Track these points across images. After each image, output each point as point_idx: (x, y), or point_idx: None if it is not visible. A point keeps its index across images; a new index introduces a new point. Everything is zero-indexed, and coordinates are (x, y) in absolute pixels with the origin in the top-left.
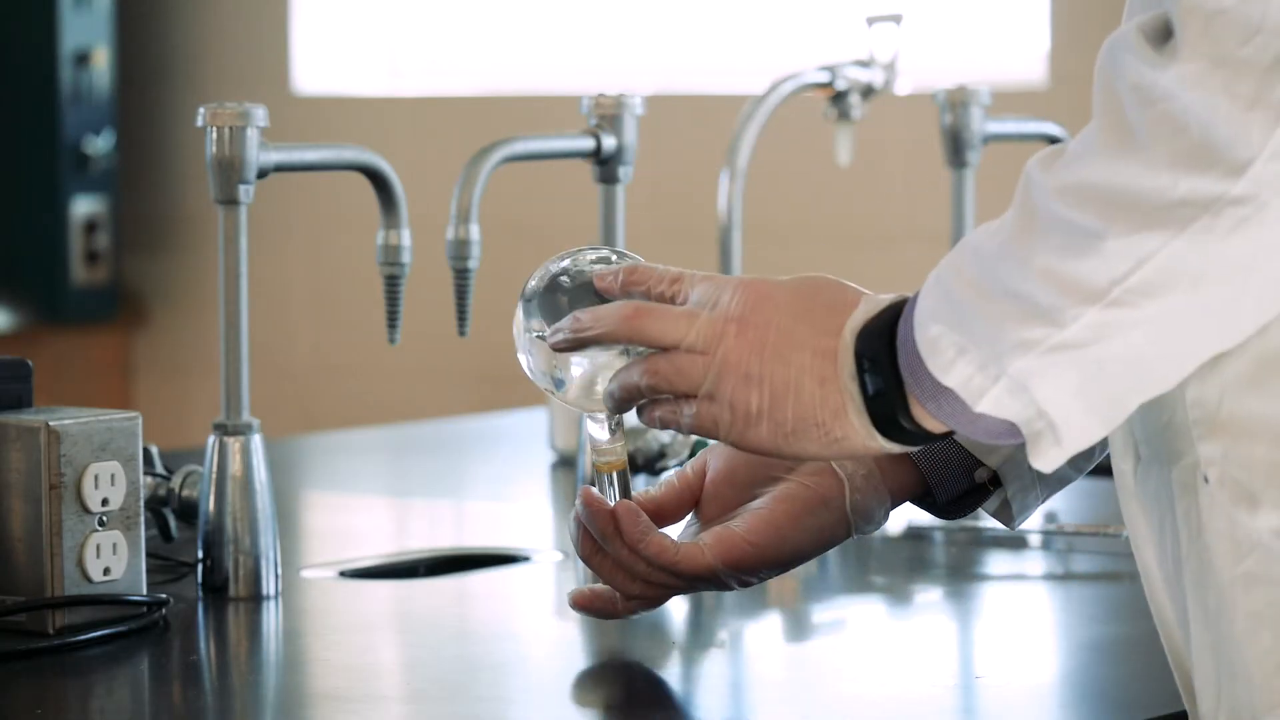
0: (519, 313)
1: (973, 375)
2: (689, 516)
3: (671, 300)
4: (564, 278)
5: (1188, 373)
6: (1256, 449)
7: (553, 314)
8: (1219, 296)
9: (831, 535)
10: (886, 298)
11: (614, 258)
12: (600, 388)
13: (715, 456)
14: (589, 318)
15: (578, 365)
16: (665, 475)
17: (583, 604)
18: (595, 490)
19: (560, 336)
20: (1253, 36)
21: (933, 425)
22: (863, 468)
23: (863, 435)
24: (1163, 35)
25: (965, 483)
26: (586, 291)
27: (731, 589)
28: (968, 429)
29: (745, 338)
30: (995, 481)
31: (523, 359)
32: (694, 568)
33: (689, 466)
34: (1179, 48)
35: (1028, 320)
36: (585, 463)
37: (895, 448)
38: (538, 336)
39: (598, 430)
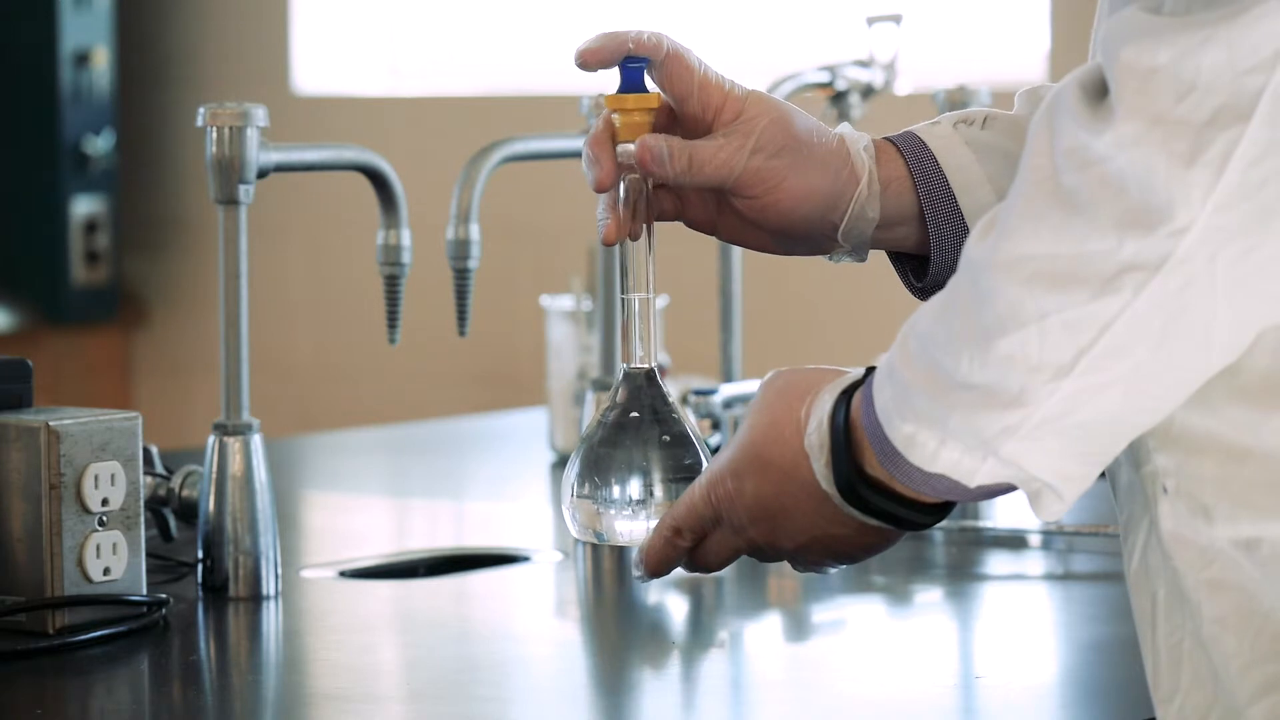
0: (566, 479)
1: (960, 459)
2: None
3: (691, 540)
4: (601, 446)
5: (1172, 409)
6: (1206, 463)
7: (602, 476)
8: (1186, 345)
9: (825, 199)
10: (828, 394)
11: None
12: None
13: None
14: (646, 562)
15: (621, 521)
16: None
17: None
18: None
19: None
20: (1188, 94)
21: (932, 500)
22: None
23: (883, 527)
24: (1101, 91)
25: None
26: (623, 445)
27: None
28: (965, 498)
29: (769, 530)
30: None
31: (568, 515)
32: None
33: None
34: (1115, 107)
35: (1000, 408)
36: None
37: (879, 521)
38: (579, 497)
39: None
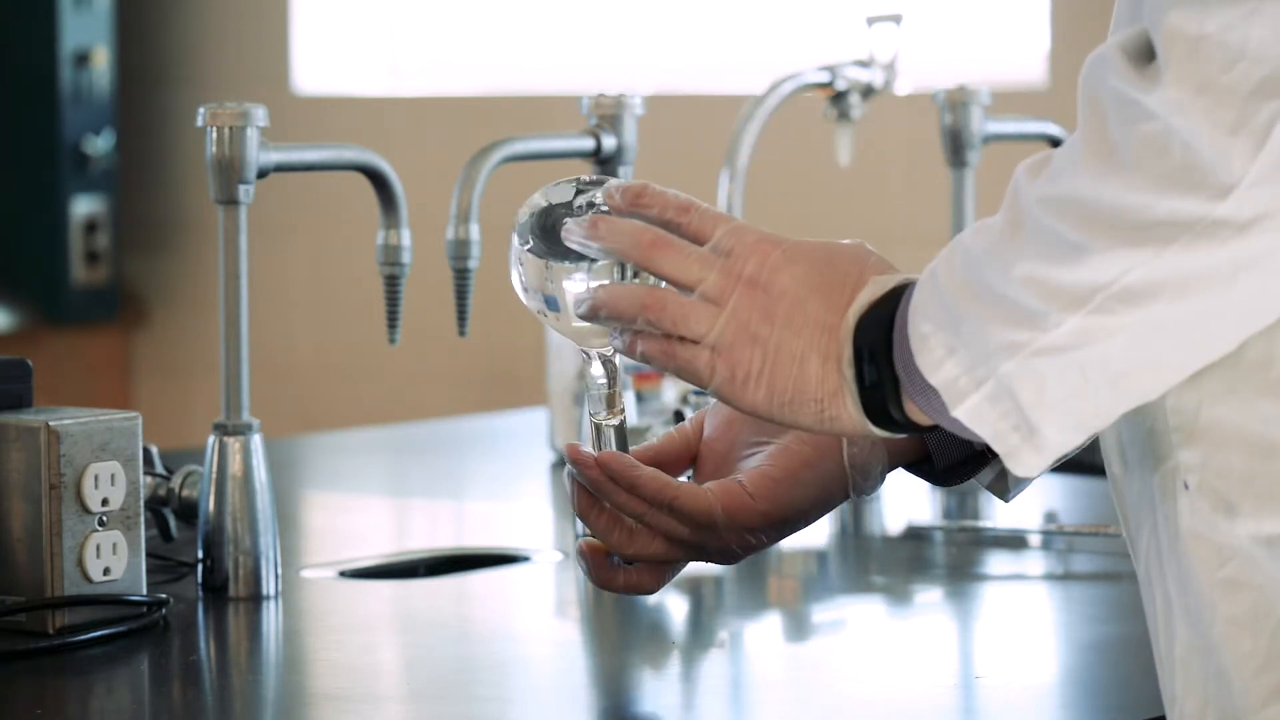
0: (513, 236)
1: (958, 377)
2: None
3: (678, 229)
4: (568, 200)
5: (1169, 385)
6: (1233, 458)
7: (551, 235)
8: (1200, 309)
9: (830, 492)
10: (893, 279)
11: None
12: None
13: (713, 414)
14: (606, 227)
15: (572, 282)
16: (663, 431)
17: (588, 551)
18: (584, 447)
19: (573, 232)
20: (1235, 63)
21: (921, 419)
22: None
23: (855, 420)
24: (1145, 55)
25: (964, 450)
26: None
27: (734, 554)
28: (951, 427)
29: (757, 299)
30: (994, 451)
31: (515, 275)
32: (695, 504)
33: (687, 422)
34: (1161, 72)
35: (1012, 324)
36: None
37: (885, 434)
38: (529, 250)
39: (595, 369)
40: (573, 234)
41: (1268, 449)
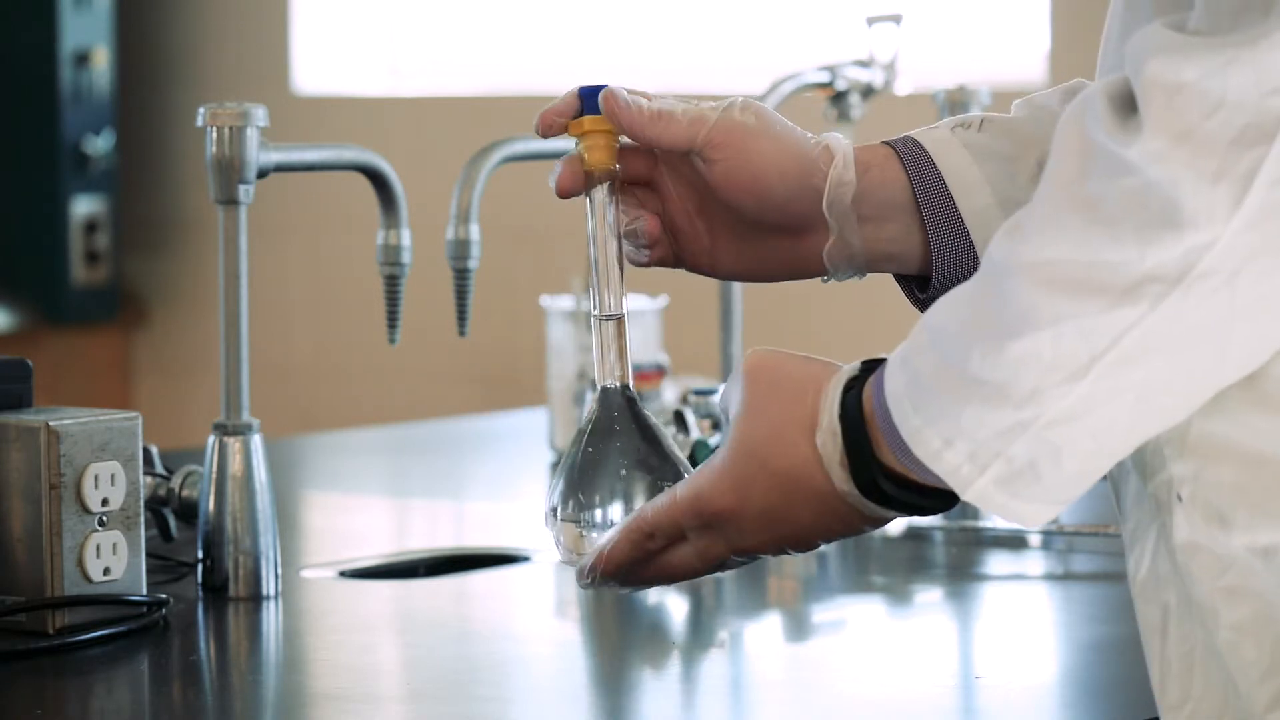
0: (549, 492)
1: (960, 465)
2: None
3: (661, 548)
4: (581, 467)
5: (1176, 423)
6: (1225, 471)
7: (579, 494)
8: (1200, 357)
9: (805, 210)
10: (833, 411)
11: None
12: None
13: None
14: (605, 565)
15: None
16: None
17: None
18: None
19: (583, 578)
20: (1215, 111)
21: (942, 485)
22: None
23: (872, 513)
24: (1129, 103)
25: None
26: (604, 471)
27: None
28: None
29: (759, 540)
30: None
31: (551, 535)
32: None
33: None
34: (1142, 122)
35: (1015, 406)
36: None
37: (893, 513)
38: (564, 520)
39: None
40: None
41: (1259, 461)
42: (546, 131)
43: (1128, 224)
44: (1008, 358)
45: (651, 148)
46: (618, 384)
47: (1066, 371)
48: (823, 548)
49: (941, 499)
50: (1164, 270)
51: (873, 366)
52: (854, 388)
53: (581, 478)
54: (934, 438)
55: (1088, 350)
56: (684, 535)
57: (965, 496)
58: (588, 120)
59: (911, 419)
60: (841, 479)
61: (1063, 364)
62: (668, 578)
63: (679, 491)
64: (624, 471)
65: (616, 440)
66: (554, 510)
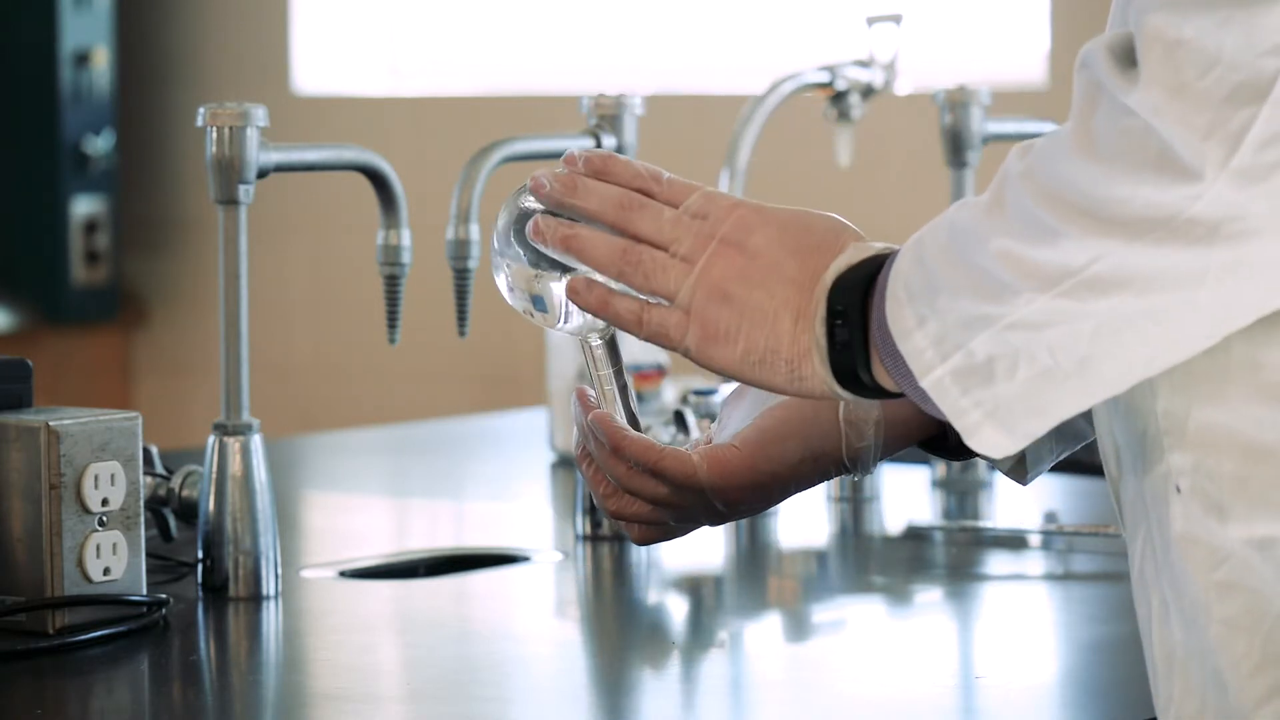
0: (494, 240)
1: (925, 349)
2: None
3: (651, 196)
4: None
5: (1137, 379)
6: (1224, 461)
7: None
8: (1168, 306)
9: (821, 452)
10: (874, 246)
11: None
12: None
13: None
14: (581, 188)
15: (559, 284)
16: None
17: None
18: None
19: (547, 188)
20: (1210, 69)
21: (888, 384)
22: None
23: (824, 380)
24: (1130, 55)
25: None
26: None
27: (720, 514)
28: (916, 396)
29: (732, 259)
30: None
31: (500, 279)
32: (678, 469)
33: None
34: (1140, 73)
35: (985, 297)
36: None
37: (851, 398)
38: (511, 257)
39: (599, 359)
40: (548, 197)
41: (1258, 452)
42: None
43: (1123, 163)
44: (992, 250)
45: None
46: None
47: (1039, 279)
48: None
49: (867, 387)
50: (1151, 210)
51: None
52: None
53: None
54: (910, 315)
55: (1063, 264)
56: (677, 202)
57: (922, 383)
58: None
59: (899, 292)
60: (825, 283)
61: (1038, 271)
62: (628, 206)
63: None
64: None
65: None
66: (501, 240)
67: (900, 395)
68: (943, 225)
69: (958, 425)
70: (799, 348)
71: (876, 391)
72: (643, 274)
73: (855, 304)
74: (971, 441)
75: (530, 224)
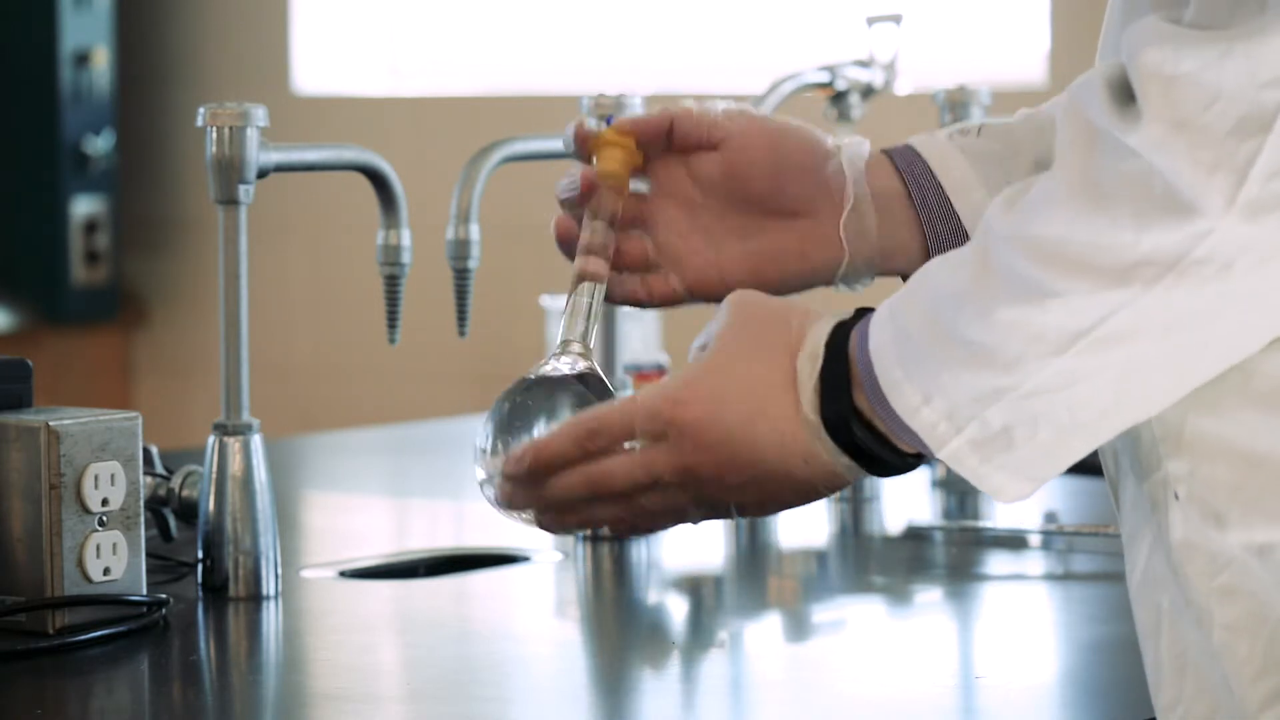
0: (480, 440)
1: (937, 423)
2: None
3: (602, 452)
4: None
5: (1156, 412)
6: (1220, 469)
7: (507, 440)
8: (1185, 344)
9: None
10: (819, 338)
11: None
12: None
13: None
14: (548, 496)
15: None
16: None
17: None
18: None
19: (510, 490)
20: (1213, 103)
21: (909, 448)
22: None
23: (837, 464)
24: (1127, 91)
25: None
26: (542, 411)
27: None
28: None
29: (710, 463)
30: None
31: (480, 473)
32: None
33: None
34: (1141, 111)
35: (994, 368)
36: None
37: (863, 471)
38: (493, 458)
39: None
40: (537, 524)
41: (1253, 460)
42: (578, 145)
43: (1127, 207)
44: (996, 323)
45: (666, 143)
46: (578, 342)
47: (1051, 344)
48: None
49: (904, 459)
50: (1159, 255)
51: (864, 314)
52: (843, 328)
53: (517, 416)
54: (914, 393)
55: (1074, 326)
56: (628, 440)
57: (939, 455)
58: (606, 132)
59: (893, 371)
60: (811, 405)
61: (1048, 336)
62: (593, 488)
63: (641, 394)
64: (566, 413)
65: (561, 386)
66: (483, 451)
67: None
68: (920, 294)
69: (980, 487)
70: (819, 471)
71: (887, 446)
72: (649, 527)
73: (846, 405)
74: (996, 498)
75: (536, 526)
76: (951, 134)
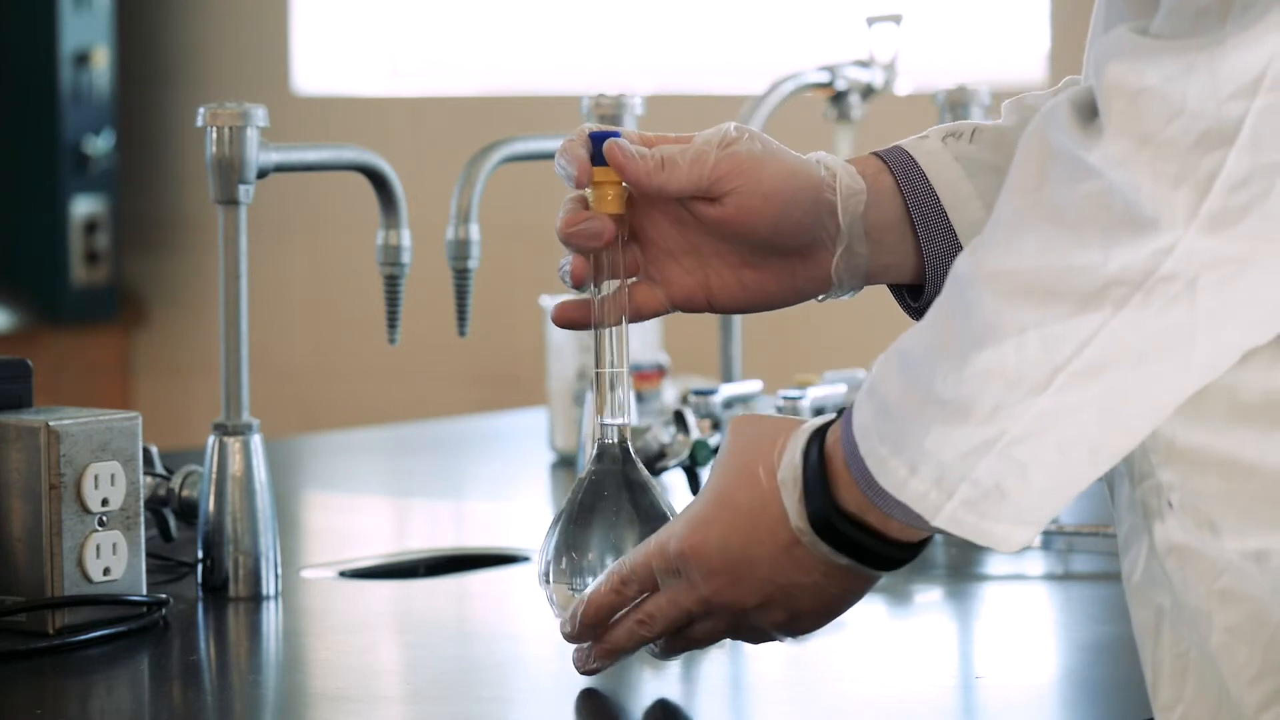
0: (543, 547)
1: (927, 492)
2: None
3: (637, 592)
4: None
5: (1145, 436)
6: (1210, 479)
7: (568, 560)
8: (1163, 367)
9: (814, 225)
10: (796, 449)
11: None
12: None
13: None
14: (607, 647)
15: None
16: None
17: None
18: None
19: (581, 656)
20: (1176, 117)
21: (903, 535)
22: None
23: (851, 569)
24: (1092, 111)
25: None
26: (596, 531)
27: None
28: (931, 531)
29: (726, 589)
30: None
31: (545, 592)
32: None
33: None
34: (1104, 126)
35: (975, 421)
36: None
37: (871, 571)
38: (556, 582)
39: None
40: (587, 670)
41: (1242, 470)
42: (575, 185)
43: (1091, 227)
44: (970, 373)
45: (658, 195)
46: (615, 437)
47: (1029, 384)
48: None
49: (902, 548)
50: (1127, 273)
51: (847, 410)
52: (823, 432)
53: (574, 538)
54: (900, 466)
55: (1050, 361)
56: (657, 583)
57: (935, 522)
58: (597, 171)
59: (878, 449)
60: (797, 514)
61: (1025, 376)
62: (644, 633)
63: (655, 535)
64: (616, 532)
65: (610, 500)
66: (547, 571)
67: (922, 542)
68: (890, 367)
69: (981, 543)
70: (827, 576)
71: (892, 545)
72: (690, 649)
73: (828, 503)
74: (1001, 549)
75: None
76: (945, 138)
